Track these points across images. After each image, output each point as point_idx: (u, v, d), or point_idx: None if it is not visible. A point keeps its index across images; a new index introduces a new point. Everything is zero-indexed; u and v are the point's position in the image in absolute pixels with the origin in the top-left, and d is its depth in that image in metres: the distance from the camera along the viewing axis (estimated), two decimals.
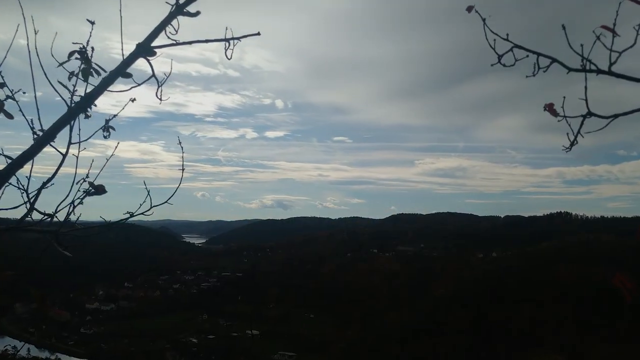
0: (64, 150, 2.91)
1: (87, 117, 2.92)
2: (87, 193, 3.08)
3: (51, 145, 2.78)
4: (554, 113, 2.59)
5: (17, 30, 2.87)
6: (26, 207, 2.91)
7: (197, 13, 2.80)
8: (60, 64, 2.90)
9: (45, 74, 2.85)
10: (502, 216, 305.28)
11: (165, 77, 3.04)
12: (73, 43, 2.92)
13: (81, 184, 3.06)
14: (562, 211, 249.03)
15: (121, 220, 3.25)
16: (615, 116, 2.53)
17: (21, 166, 2.73)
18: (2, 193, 2.83)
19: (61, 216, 3.03)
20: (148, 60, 2.86)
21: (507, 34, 2.52)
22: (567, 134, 2.61)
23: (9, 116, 3.01)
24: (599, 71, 2.48)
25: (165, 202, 3.31)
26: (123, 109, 3.22)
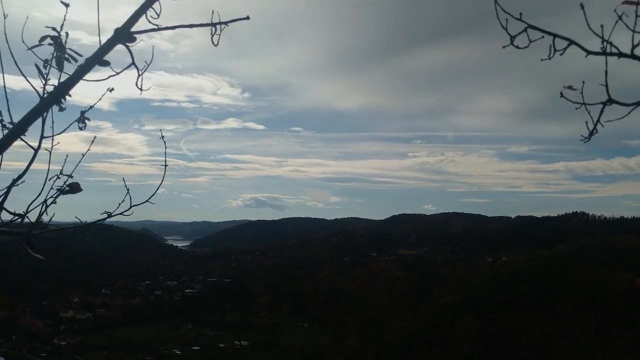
0: (35, 145, 2.89)
1: (61, 109, 2.89)
2: (61, 191, 3.06)
3: (22, 139, 2.76)
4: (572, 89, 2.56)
5: None
6: None
7: None
8: (30, 48, 2.86)
9: (15, 63, 2.83)
10: (512, 217, 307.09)
11: (147, 65, 3.02)
12: (46, 27, 2.89)
13: (54, 182, 3.04)
14: (578, 211, 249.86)
15: (99, 220, 3.22)
16: (638, 104, 2.47)
17: None
18: None
19: (33, 216, 3.01)
20: (127, 47, 2.84)
21: (521, 14, 2.50)
22: (587, 122, 2.58)
23: None
24: (621, 54, 2.43)
25: (147, 201, 3.29)
26: (100, 99, 3.19)
